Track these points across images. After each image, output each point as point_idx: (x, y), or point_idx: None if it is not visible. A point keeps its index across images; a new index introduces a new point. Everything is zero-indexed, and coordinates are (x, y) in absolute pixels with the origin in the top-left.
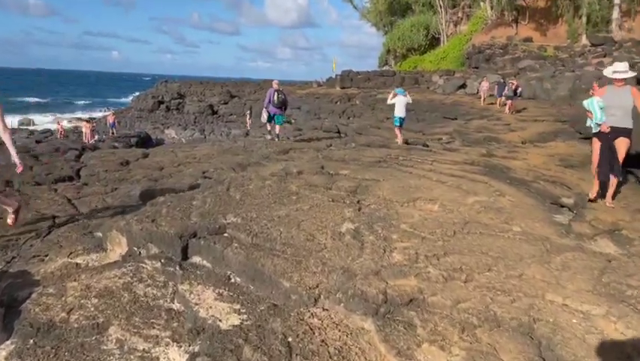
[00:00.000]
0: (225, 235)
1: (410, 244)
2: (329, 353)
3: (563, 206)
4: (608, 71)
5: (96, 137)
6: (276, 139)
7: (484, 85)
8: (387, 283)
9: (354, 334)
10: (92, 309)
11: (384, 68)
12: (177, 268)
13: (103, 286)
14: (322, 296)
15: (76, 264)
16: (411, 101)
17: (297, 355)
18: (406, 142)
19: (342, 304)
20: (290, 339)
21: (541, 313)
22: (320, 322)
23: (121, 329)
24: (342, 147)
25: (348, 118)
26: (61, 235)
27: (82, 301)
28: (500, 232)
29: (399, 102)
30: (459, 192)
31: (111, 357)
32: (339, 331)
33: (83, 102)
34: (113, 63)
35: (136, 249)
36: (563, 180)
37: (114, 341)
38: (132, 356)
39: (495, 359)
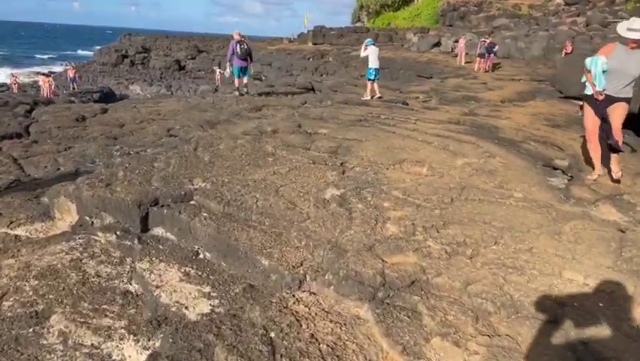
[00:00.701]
0: (192, 202)
1: (404, 213)
2: (320, 351)
3: (556, 168)
4: (621, 28)
5: (54, 91)
6: (245, 94)
7: (462, 43)
8: (383, 261)
9: (348, 325)
10: (31, 293)
11: (357, 24)
12: (135, 241)
13: (45, 264)
14: (308, 277)
15: (16, 236)
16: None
17: (281, 356)
18: (380, 98)
19: (332, 287)
20: (272, 335)
21: (563, 295)
22: (307, 310)
23: (65, 318)
24: (318, 104)
25: (322, 75)
26: (2, 201)
27: (18, 283)
28: (500, 198)
29: (372, 53)
30: (446, 154)
31: (52, 355)
32: (331, 321)
33: (42, 56)
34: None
35: (88, 218)
36: (554, 140)
37: (56, 333)
38: (78, 353)
39: (519, 356)
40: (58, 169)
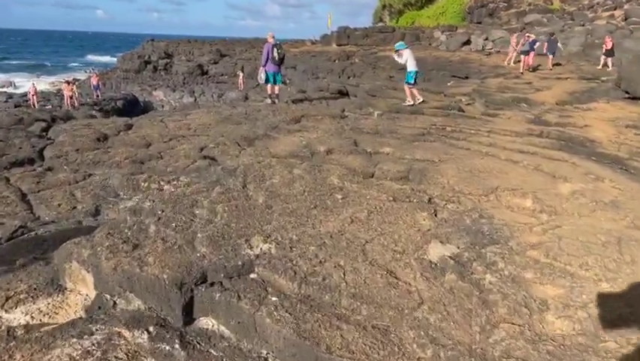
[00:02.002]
0: (253, 276)
1: (560, 290)
2: None
3: None
4: None
5: (78, 99)
6: (277, 101)
7: (514, 40)
8: None
9: None
10: None
11: (379, 25)
12: (176, 344)
13: None
14: None
15: (9, 331)
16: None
17: None
18: (423, 102)
19: None
20: None
21: None
22: None
23: None
24: (358, 111)
25: (349, 77)
26: (1, 261)
27: None
28: None
29: (409, 56)
30: (543, 177)
31: None
32: None
33: (67, 64)
34: (99, 22)
35: (109, 297)
36: None
37: None
38: None
39: None
40: (75, 207)
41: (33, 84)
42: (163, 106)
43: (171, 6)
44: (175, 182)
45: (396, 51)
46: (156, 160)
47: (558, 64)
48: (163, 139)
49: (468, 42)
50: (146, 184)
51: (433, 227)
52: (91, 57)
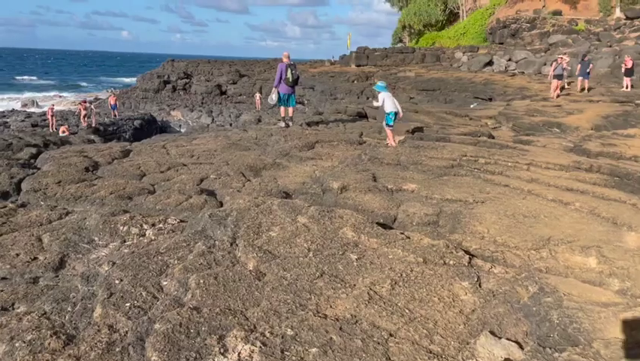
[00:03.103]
0: None
1: None
2: None
3: None
4: None
5: (92, 119)
6: (290, 124)
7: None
8: None
9: None
10: None
11: (398, 45)
12: None
13: None
14: None
15: None
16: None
17: None
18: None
19: None
20: None
21: None
22: None
23: None
24: (377, 136)
25: (367, 98)
26: None
27: None
28: None
29: (387, 98)
30: (602, 224)
31: None
32: None
33: (90, 83)
34: (123, 43)
35: None
36: None
37: None
38: None
39: None
40: (35, 258)
41: (52, 105)
42: (180, 126)
43: (193, 27)
44: (161, 225)
45: (377, 92)
46: (146, 195)
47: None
48: (160, 168)
49: (490, 63)
50: (125, 228)
51: (479, 306)
52: (113, 77)
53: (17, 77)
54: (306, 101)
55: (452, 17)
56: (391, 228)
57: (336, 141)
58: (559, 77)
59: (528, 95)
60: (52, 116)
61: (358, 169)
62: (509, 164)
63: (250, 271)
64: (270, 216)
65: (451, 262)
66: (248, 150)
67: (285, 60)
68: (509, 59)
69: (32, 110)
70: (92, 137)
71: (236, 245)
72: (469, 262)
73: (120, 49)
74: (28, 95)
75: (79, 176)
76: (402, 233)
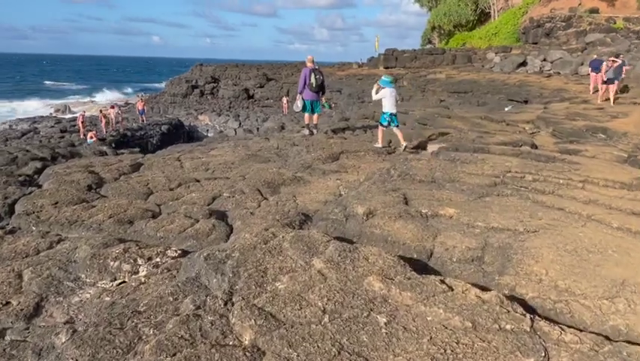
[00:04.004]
0: None
1: None
2: None
3: None
4: None
5: (119, 125)
6: (315, 131)
7: (605, 67)
8: None
9: None
10: None
11: (427, 47)
12: None
13: None
14: None
15: None
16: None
17: None
18: (407, 148)
19: None
20: None
21: None
22: None
23: None
24: (407, 142)
25: (396, 102)
26: None
27: None
28: None
29: (387, 96)
30: None
31: None
32: None
33: (120, 88)
34: (154, 48)
35: None
36: None
37: None
38: None
39: None
40: (8, 303)
41: (83, 112)
42: (208, 130)
43: (223, 31)
44: (158, 258)
45: (379, 86)
46: (148, 220)
47: (626, 87)
48: (170, 185)
49: (524, 63)
50: (116, 264)
51: None
52: (144, 82)
53: (51, 83)
54: (333, 105)
55: (483, 17)
56: (427, 265)
57: (362, 151)
58: (610, 80)
59: (567, 98)
60: (82, 122)
61: (387, 188)
62: (561, 181)
63: (245, 348)
64: (280, 257)
65: (509, 327)
66: (268, 162)
67: (309, 64)
68: (544, 59)
69: (64, 115)
70: (104, 148)
71: (232, 304)
72: (532, 326)
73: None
74: (61, 100)
75: (79, 196)
76: (442, 281)
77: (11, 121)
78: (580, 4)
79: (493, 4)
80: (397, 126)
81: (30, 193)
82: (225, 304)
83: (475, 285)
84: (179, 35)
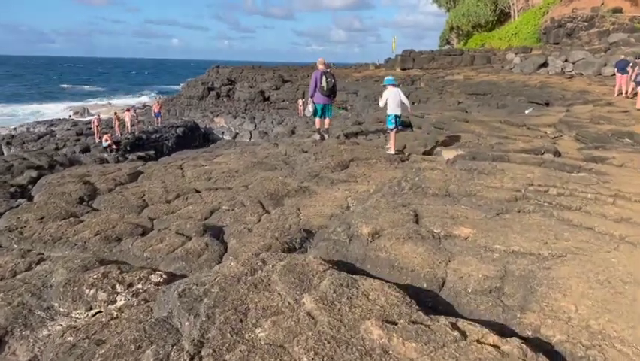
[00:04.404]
0: None
1: None
2: None
3: None
4: None
5: (135, 127)
6: (326, 136)
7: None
8: None
9: None
10: None
11: (445, 47)
12: None
13: None
14: None
15: None
16: (407, 101)
17: None
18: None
19: None
20: None
21: None
22: None
23: None
24: (422, 150)
25: (413, 103)
26: None
27: None
28: None
29: (391, 96)
30: None
31: None
32: None
33: (139, 90)
34: (174, 50)
35: None
36: None
37: None
38: None
39: None
40: None
41: (98, 116)
42: (223, 133)
43: (241, 34)
44: (140, 284)
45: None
46: (136, 238)
47: None
48: (167, 196)
49: (545, 64)
50: (92, 291)
51: None
52: (162, 84)
53: (71, 86)
54: (349, 107)
55: (502, 17)
56: (438, 296)
57: (374, 158)
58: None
59: (590, 100)
60: (97, 126)
61: (396, 202)
62: (589, 195)
63: None
64: (266, 293)
65: None
66: (274, 170)
67: (320, 67)
68: (565, 60)
69: (83, 118)
70: (105, 155)
71: (201, 358)
72: None
73: (171, 56)
74: (79, 103)
75: (68, 209)
76: (454, 326)
77: (29, 124)
78: (603, 4)
79: (513, 4)
80: (398, 128)
81: (17, 206)
82: (192, 358)
83: (492, 325)
84: (197, 38)
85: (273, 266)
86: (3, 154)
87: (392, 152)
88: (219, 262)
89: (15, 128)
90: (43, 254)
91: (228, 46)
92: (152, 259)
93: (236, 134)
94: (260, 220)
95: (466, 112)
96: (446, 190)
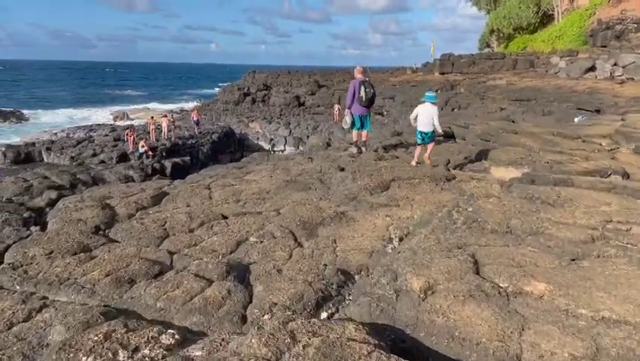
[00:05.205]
0: None
1: None
2: None
3: None
4: None
5: (172, 133)
6: (364, 150)
7: None
8: None
9: None
10: None
11: (485, 51)
12: None
13: None
14: None
15: None
16: (438, 123)
17: None
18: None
19: None
20: None
21: None
22: None
23: None
24: (470, 166)
25: (453, 109)
26: None
27: None
28: None
29: (421, 113)
30: None
31: None
32: None
33: (177, 95)
34: (212, 55)
35: None
36: None
37: None
38: None
39: None
40: None
41: (131, 127)
42: (258, 138)
43: (278, 38)
44: (147, 349)
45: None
46: (150, 281)
47: None
48: (191, 224)
49: (592, 68)
50: (90, 359)
51: None
52: (200, 89)
53: (112, 90)
54: (385, 112)
55: (545, 19)
56: None
57: (417, 177)
58: None
59: None
60: (130, 137)
61: (449, 242)
62: None
63: None
64: None
65: None
66: (307, 191)
67: (358, 76)
68: (615, 64)
69: (122, 122)
70: (131, 173)
71: None
72: None
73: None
74: (119, 107)
75: (81, 241)
76: None
77: (69, 129)
78: None
79: (557, 5)
80: (426, 143)
81: (27, 237)
82: None
83: None
84: (235, 42)
85: (304, 348)
86: (43, 160)
87: (413, 163)
88: (242, 316)
89: (56, 134)
90: (47, 298)
91: (265, 50)
92: (165, 310)
93: (271, 139)
94: (291, 256)
95: (513, 122)
96: (507, 226)
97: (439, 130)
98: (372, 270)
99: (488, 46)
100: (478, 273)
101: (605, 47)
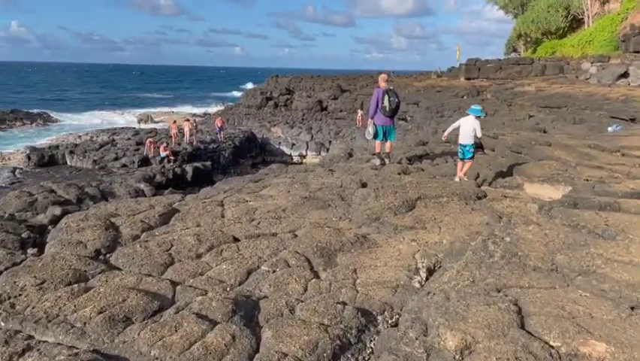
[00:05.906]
0: None
1: None
2: None
3: None
4: None
5: (193, 137)
6: (387, 161)
7: None
8: None
9: None
10: None
11: (512, 55)
12: None
13: None
14: None
15: None
16: (480, 133)
17: None
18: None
19: None
20: None
21: None
22: None
23: None
24: (501, 181)
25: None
26: None
27: None
28: None
29: (463, 125)
30: None
31: None
32: None
33: (201, 98)
34: (236, 58)
35: None
36: None
37: None
38: None
39: None
40: None
41: (150, 137)
42: (280, 143)
43: (301, 42)
44: None
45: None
46: (146, 322)
47: None
48: (199, 248)
49: (625, 75)
50: None
51: None
52: (224, 92)
53: (137, 93)
54: (409, 118)
55: (575, 24)
56: None
57: (444, 195)
58: None
59: None
60: (150, 147)
61: (487, 283)
62: None
63: None
64: None
65: None
66: (327, 209)
67: (382, 84)
68: None
69: (147, 125)
70: (142, 186)
71: None
72: None
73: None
74: (144, 110)
75: (77, 269)
76: None
77: (93, 132)
78: None
79: (587, 9)
80: (465, 159)
81: (21, 263)
82: None
83: None
84: (259, 46)
85: None
86: (67, 163)
87: (457, 179)
88: None
89: (80, 137)
90: (32, 338)
91: (289, 53)
92: (160, 359)
93: (293, 145)
94: (306, 290)
95: (545, 132)
96: (552, 262)
97: (480, 135)
98: (396, 310)
99: (515, 50)
100: (522, 326)
101: (638, 52)
